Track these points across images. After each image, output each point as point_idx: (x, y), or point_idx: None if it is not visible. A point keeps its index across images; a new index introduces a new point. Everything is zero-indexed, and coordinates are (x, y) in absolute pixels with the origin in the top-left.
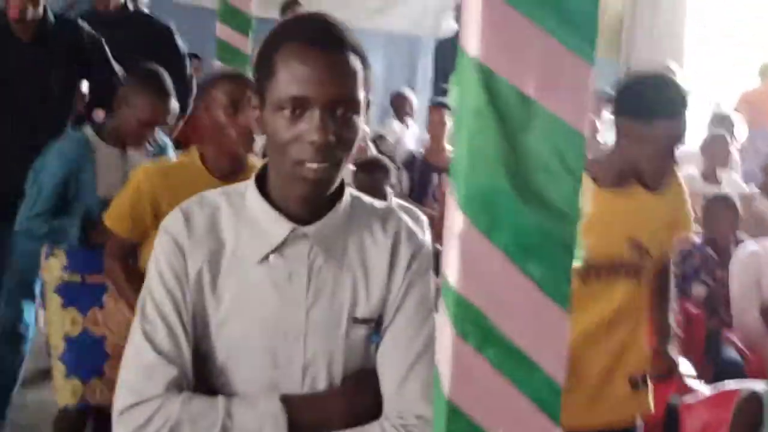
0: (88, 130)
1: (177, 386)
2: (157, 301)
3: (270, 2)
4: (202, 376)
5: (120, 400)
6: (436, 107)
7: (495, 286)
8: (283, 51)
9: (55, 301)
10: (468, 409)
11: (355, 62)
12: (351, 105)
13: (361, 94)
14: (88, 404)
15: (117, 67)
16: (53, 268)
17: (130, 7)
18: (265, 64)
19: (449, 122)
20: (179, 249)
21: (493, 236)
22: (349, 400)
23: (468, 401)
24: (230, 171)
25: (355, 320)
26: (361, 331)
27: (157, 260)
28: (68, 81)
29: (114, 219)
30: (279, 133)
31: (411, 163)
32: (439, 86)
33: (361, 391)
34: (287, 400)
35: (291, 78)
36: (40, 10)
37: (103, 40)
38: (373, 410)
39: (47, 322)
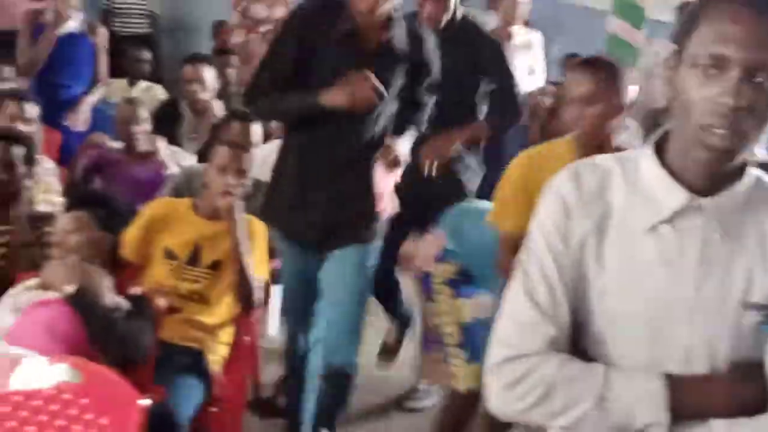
0: None
1: (555, 346)
2: (540, 259)
3: (665, 4)
4: (577, 342)
5: (496, 353)
6: None
7: None
8: (711, 6)
9: (445, 292)
10: None
11: None
12: None
13: None
14: None
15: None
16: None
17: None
18: (689, 19)
19: None
20: (566, 209)
21: None
22: (735, 387)
23: None
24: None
25: (747, 305)
26: (752, 318)
27: (543, 219)
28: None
29: (500, 218)
30: (689, 93)
31: None
32: None
33: (749, 380)
34: (669, 379)
35: (713, 35)
36: (392, 4)
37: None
38: (761, 404)
39: (437, 312)
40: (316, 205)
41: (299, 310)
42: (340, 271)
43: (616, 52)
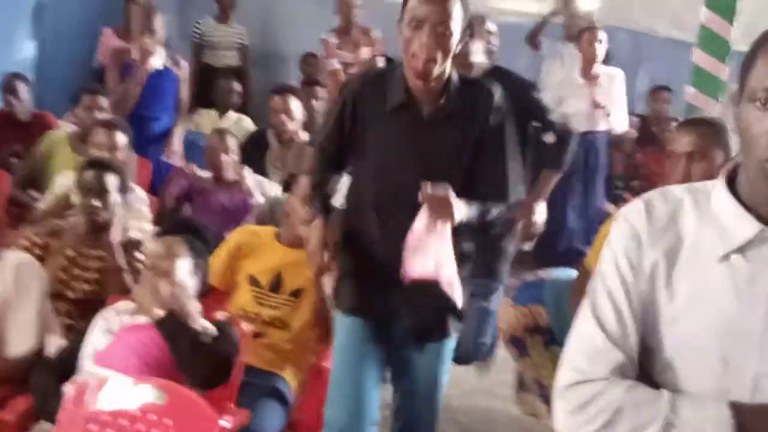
0: None
1: (622, 372)
2: (609, 286)
3: (750, 36)
4: (646, 368)
5: (564, 377)
6: None
7: None
8: (765, 42)
9: (538, 345)
10: None
11: None
12: None
13: None
14: None
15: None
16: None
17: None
18: (748, 56)
19: None
20: (636, 238)
21: None
22: None
23: None
24: None
25: None
26: None
27: (613, 246)
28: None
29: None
30: (750, 127)
31: None
32: None
33: None
34: (737, 409)
35: (767, 69)
36: (447, 65)
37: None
38: None
39: (534, 366)
40: (389, 284)
41: (352, 399)
42: (417, 368)
43: (701, 84)
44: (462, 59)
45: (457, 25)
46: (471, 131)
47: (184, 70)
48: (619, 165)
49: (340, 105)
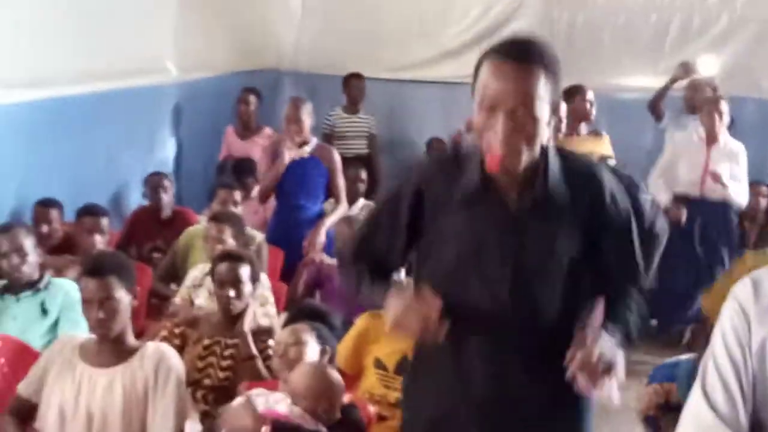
0: None
1: None
2: (718, 364)
3: None
4: None
5: None
6: None
7: None
8: None
9: (672, 421)
10: None
11: None
12: None
13: None
14: None
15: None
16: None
17: None
18: None
19: None
20: (745, 315)
21: None
22: None
23: None
24: None
25: None
26: None
27: (723, 324)
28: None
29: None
30: None
31: None
32: None
33: None
34: None
35: None
36: (536, 149)
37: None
38: None
39: None
40: None
41: None
42: None
43: None
44: None
45: (543, 103)
46: (576, 227)
47: (337, 162)
48: (753, 236)
49: (402, 193)
